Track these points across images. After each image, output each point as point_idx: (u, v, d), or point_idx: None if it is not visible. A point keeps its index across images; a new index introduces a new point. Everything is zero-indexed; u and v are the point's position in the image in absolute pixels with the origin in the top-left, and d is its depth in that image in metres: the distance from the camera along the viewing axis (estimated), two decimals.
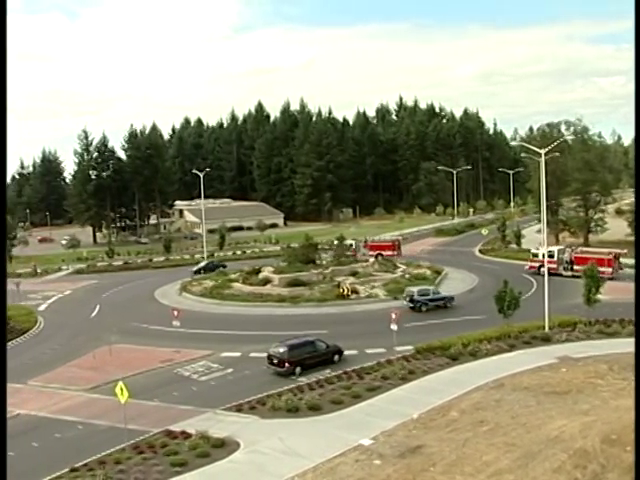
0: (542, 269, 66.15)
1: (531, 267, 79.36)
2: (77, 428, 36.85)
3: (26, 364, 51.47)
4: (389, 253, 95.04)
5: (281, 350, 44.15)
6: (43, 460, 32.44)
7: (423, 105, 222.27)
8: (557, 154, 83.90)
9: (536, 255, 78.37)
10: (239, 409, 37.07)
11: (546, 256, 59.65)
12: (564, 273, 75.32)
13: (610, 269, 70.98)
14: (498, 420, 32.87)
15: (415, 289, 63.37)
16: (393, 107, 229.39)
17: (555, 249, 78.57)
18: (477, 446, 29.92)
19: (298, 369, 43.81)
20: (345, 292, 66.99)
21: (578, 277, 64.88)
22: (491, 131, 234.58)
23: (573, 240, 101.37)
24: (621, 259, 75.97)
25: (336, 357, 46.30)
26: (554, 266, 73.13)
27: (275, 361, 44.18)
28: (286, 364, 43.52)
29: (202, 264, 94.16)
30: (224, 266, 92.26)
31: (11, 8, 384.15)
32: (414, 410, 34.97)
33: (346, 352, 47.45)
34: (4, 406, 23.97)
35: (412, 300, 61.94)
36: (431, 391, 38.15)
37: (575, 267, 74.35)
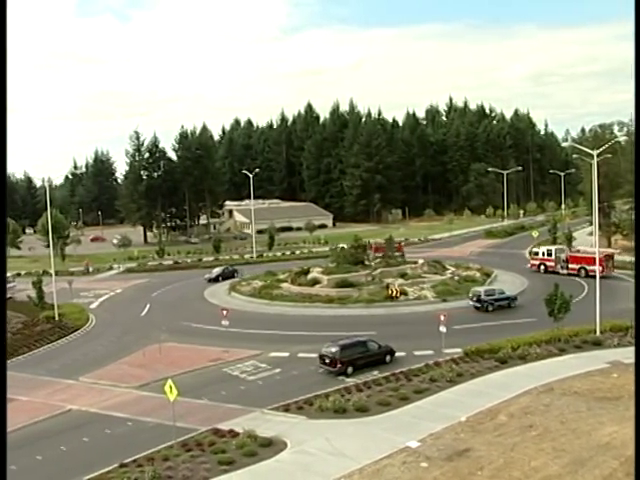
0: (542, 267, 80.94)
1: (532, 265, 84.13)
2: (126, 424, 37.34)
3: (78, 361, 52.37)
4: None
5: (333, 350, 44.39)
6: (93, 455, 32.95)
7: (473, 106, 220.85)
8: (609, 155, 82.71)
9: (537, 254, 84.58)
10: (286, 409, 37.20)
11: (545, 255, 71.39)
12: (561, 271, 79.30)
13: (600, 268, 69.46)
14: (547, 425, 32.49)
15: (482, 289, 64.20)
16: (443, 108, 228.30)
17: (553, 248, 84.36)
18: (525, 451, 29.61)
19: (350, 369, 43.93)
20: (394, 293, 66.77)
21: (575, 275, 76.48)
22: (542, 132, 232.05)
23: (625, 243, 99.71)
24: (615, 258, 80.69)
25: (388, 358, 46.30)
26: (552, 264, 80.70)
27: (327, 361, 44.41)
28: (338, 364, 43.73)
29: (217, 270, 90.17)
30: (236, 271, 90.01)
31: (63, 11, 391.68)
32: (462, 413, 34.74)
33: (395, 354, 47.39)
34: (4, 406, 24.20)
35: (479, 300, 62.08)
36: (479, 394, 37.85)
37: (570, 266, 79.22)
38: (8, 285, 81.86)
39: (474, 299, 62.76)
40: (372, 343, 46.25)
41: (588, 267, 74.81)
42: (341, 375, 43.59)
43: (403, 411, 35.84)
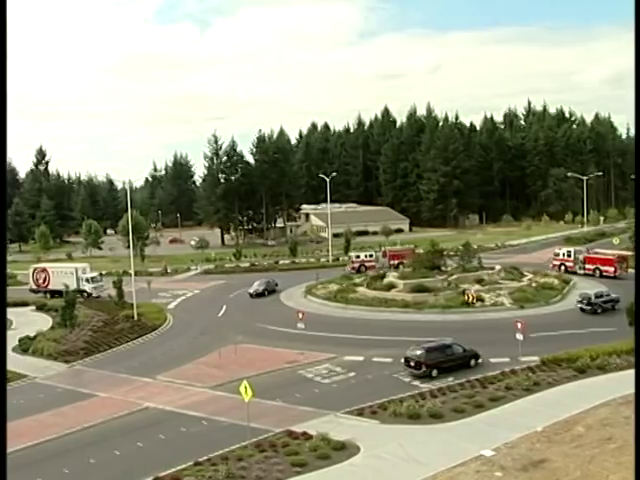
0: (562, 267, 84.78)
1: (553, 265, 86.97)
2: (202, 423, 37.88)
3: (155, 359, 53.37)
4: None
5: (418, 353, 44.74)
6: (168, 452, 33.53)
7: (552, 110, 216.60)
8: None
9: (557, 254, 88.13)
10: (360, 413, 37.17)
11: (566, 255, 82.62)
12: (578, 271, 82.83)
13: (612, 268, 79.26)
14: (627, 438, 31.59)
15: (591, 292, 63.77)
16: (521, 112, 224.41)
17: (572, 249, 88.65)
18: (604, 464, 28.94)
19: (435, 372, 44.10)
20: (470, 299, 66.10)
21: (590, 275, 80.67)
22: (624, 136, 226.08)
23: None
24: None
25: (472, 362, 46.23)
26: (571, 264, 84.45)
27: (412, 363, 44.74)
28: (423, 366, 44.03)
29: (260, 284, 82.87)
30: (277, 284, 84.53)
31: (143, 19, 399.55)
32: (538, 423, 34.15)
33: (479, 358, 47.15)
34: (4, 406, 24.54)
35: (590, 303, 61.63)
36: (556, 404, 37.14)
37: (586, 266, 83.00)
38: (97, 284, 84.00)
39: (584, 302, 62.27)
40: (457, 347, 46.29)
41: (602, 267, 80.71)
42: (426, 377, 43.76)
43: (478, 419, 35.45)
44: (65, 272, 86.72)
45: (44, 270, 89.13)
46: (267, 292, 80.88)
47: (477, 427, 34.24)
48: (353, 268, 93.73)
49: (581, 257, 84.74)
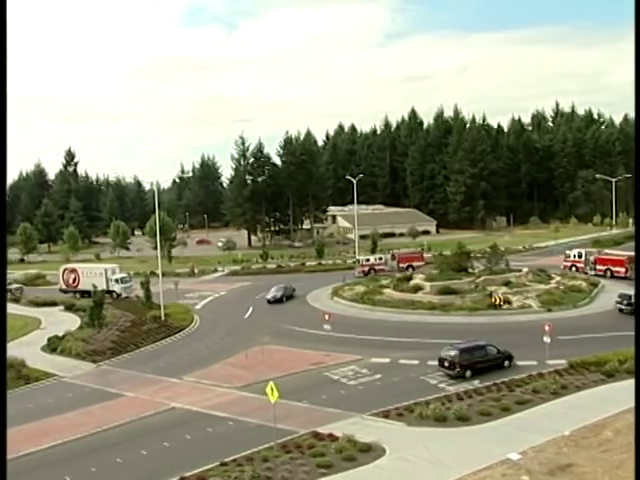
0: (573, 268, 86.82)
1: (564, 267, 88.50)
2: (228, 424, 38.00)
3: (182, 360, 53.63)
4: (419, 264, 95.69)
5: (452, 353, 45.06)
6: (195, 452, 33.69)
7: (581, 111, 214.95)
8: None
9: (569, 256, 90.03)
10: (386, 415, 37.08)
11: (577, 257, 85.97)
12: (589, 272, 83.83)
13: (623, 269, 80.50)
14: None
15: (630, 292, 62.98)
16: (549, 113, 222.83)
17: (584, 251, 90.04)
18: (632, 469, 28.62)
19: (468, 372, 44.26)
20: (497, 302, 65.76)
21: (601, 276, 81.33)
22: None
23: None
24: None
25: (506, 363, 46.24)
26: (582, 266, 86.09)
27: (446, 364, 45.08)
28: (457, 367, 44.35)
29: (278, 289, 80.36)
30: (294, 290, 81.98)
31: (171, 21, 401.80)
32: (565, 427, 33.84)
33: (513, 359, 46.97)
34: (4, 406, 24.61)
35: (630, 303, 61.07)
36: (584, 408, 36.80)
37: (597, 267, 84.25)
38: (126, 285, 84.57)
39: (624, 302, 62.00)
40: (491, 347, 46.24)
41: (613, 268, 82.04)
42: (459, 378, 43.90)
43: (504, 422, 35.21)
44: (95, 273, 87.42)
45: (74, 270, 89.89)
46: (285, 298, 78.74)
47: (504, 430, 34.02)
48: (362, 271, 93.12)
49: (592, 258, 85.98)
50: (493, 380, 42.76)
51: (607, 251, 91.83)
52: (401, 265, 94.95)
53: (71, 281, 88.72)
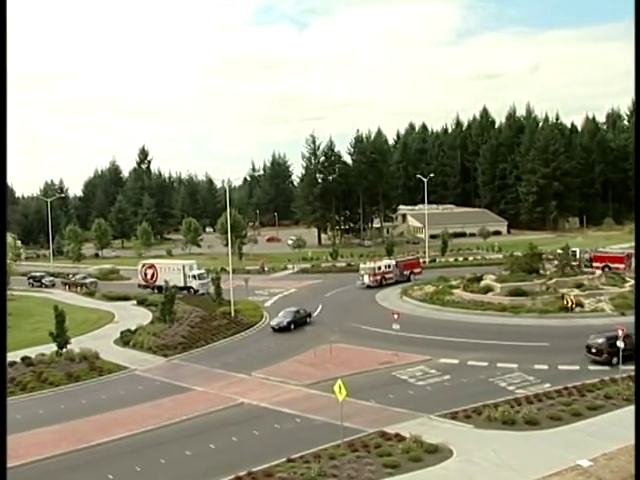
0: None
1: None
2: (295, 421, 38.15)
3: (251, 356, 54.07)
4: (418, 271, 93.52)
5: (600, 341, 47.46)
6: (262, 448, 33.87)
7: None
8: None
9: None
10: (454, 416, 36.74)
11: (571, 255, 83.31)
12: (585, 270, 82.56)
13: (622, 265, 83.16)
14: None
15: None
16: (624, 112, 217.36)
17: (577, 249, 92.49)
18: None
19: (614, 359, 44.85)
20: (569, 304, 64.56)
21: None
22: None
23: None
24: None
25: None
26: (577, 264, 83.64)
27: (594, 350, 47.45)
28: (604, 354, 46.64)
29: (285, 316, 65.68)
30: (310, 315, 68.02)
31: (241, 20, 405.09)
32: None
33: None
34: (4, 405, 24.71)
35: None
36: None
37: (594, 264, 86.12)
38: (204, 281, 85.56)
39: None
40: (633, 336, 45.28)
41: (612, 265, 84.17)
42: (606, 365, 45.75)
43: (575, 427, 34.46)
44: (173, 269, 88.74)
45: (152, 266, 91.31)
46: (294, 325, 64.57)
47: (574, 436, 33.30)
48: (375, 280, 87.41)
49: (586, 256, 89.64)
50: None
51: (600, 249, 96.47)
52: (405, 272, 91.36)
53: (149, 277, 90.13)
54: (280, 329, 63.67)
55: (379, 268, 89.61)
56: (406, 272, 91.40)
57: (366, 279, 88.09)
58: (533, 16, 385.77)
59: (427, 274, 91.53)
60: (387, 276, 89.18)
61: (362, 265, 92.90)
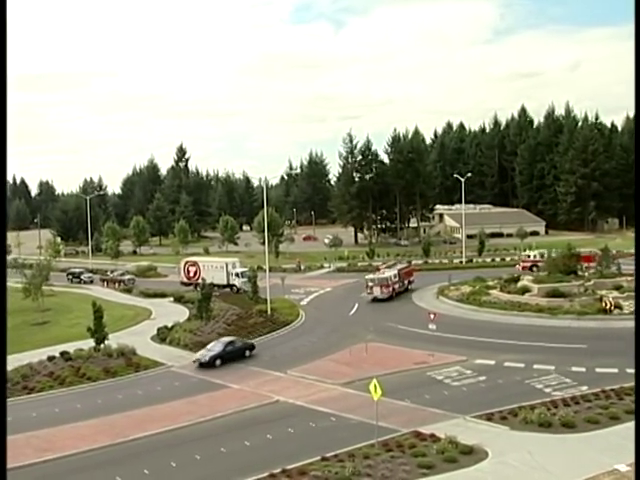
0: (533, 268, 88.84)
1: (523, 267, 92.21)
2: (330, 419, 38.20)
3: (287, 354, 54.20)
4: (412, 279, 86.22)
5: None
6: (296, 446, 33.97)
7: None
8: None
9: (528, 256, 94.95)
10: (489, 418, 36.51)
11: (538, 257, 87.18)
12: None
13: (594, 264, 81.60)
14: None
15: None
16: None
17: (545, 251, 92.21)
18: None
19: None
20: (607, 306, 63.82)
21: None
22: None
23: None
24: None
25: None
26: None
27: None
28: None
29: (215, 346, 53.26)
30: (252, 348, 55.10)
31: (278, 19, 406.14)
32: None
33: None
34: (4, 404, 24.81)
35: None
36: None
37: None
38: (247, 279, 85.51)
39: None
40: None
41: (584, 265, 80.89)
42: None
43: (612, 431, 34.03)
44: (215, 266, 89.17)
45: (195, 264, 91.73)
46: (222, 360, 51.93)
47: (611, 440, 32.88)
48: (388, 292, 78.44)
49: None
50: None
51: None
52: (404, 282, 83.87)
53: (192, 274, 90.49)
54: (202, 365, 51.55)
55: (393, 277, 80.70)
56: (406, 281, 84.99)
57: (377, 291, 78.33)
58: (572, 14, 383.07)
59: (464, 274, 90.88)
60: (396, 287, 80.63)
61: (369, 276, 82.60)
